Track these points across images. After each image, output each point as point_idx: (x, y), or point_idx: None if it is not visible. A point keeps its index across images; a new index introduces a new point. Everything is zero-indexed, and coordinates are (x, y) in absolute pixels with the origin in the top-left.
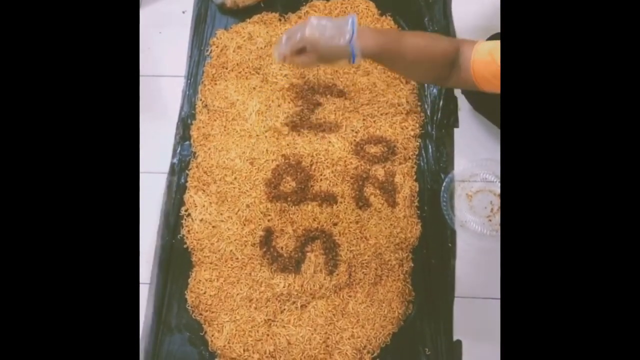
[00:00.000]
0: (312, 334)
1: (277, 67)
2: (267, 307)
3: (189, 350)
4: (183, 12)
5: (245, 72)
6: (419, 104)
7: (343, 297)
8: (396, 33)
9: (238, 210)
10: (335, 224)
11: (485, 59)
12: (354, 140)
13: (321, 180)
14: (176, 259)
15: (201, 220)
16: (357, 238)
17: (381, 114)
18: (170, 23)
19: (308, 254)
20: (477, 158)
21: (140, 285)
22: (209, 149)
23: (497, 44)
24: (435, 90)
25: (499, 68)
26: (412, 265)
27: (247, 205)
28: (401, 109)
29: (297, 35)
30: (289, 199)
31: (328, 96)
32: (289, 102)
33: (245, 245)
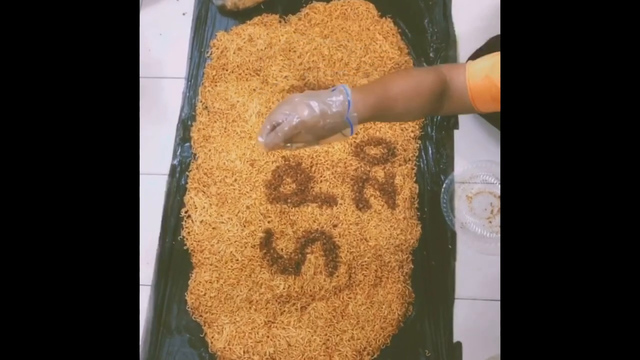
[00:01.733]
0: (312, 336)
1: (277, 69)
2: (267, 308)
3: (188, 352)
4: (183, 14)
5: (246, 74)
6: None
7: (343, 298)
8: (381, 85)
9: (238, 212)
10: (335, 226)
11: (483, 83)
12: (354, 141)
13: (321, 181)
14: (176, 260)
15: (201, 221)
16: (357, 240)
17: None
18: (171, 25)
19: (308, 255)
20: (477, 160)
21: (141, 287)
22: (209, 150)
23: (491, 64)
24: None
25: (498, 90)
26: (412, 266)
27: (247, 207)
28: None
29: (289, 124)
30: (289, 200)
31: None
32: None
33: (245, 247)
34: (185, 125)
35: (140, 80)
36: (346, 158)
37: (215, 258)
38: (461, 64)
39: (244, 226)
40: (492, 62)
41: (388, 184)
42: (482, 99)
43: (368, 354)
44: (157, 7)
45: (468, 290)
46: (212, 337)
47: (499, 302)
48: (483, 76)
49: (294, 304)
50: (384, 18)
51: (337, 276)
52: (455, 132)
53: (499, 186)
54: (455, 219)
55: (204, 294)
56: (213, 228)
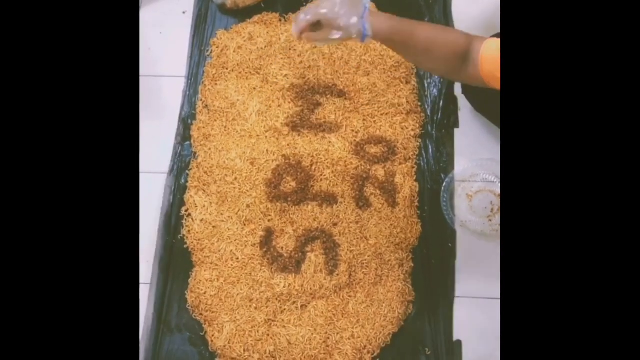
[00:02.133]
0: (312, 334)
1: (278, 68)
2: (267, 307)
3: (189, 350)
4: (183, 13)
5: (246, 73)
6: (419, 104)
7: (343, 297)
8: (410, 20)
9: (238, 211)
10: (335, 224)
11: (493, 55)
12: (354, 140)
13: (321, 180)
14: (176, 259)
15: (201, 220)
16: (358, 238)
17: (381, 114)
18: (171, 23)
19: (308, 254)
20: (477, 158)
21: (141, 286)
22: (210, 149)
23: None
24: (435, 91)
25: None
26: (412, 265)
27: (248, 206)
28: (401, 109)
29: (312, 12)
30: (289, 199)
31: (328, 96)
32: (289, 103)
33: (246, 246)
34: (185, 124)
35: (141, 78)
36: (346, 156)
37: (216, 256)
38: (485, 36)
39: (244, 225)
40: None
41: (388, 183)
42: (489, 70)
43: (368, 352)
44: (157, 6)
45: (468, 289)
46: (213, 336)
47: (499, 301)
48: (495, 49)
49: (294, 302)
50: None
51: (338, 275)
52: (456, 130)
53: (499, 185)
54: (455, 217)
55: (204, 293)
56: (213, 227)
